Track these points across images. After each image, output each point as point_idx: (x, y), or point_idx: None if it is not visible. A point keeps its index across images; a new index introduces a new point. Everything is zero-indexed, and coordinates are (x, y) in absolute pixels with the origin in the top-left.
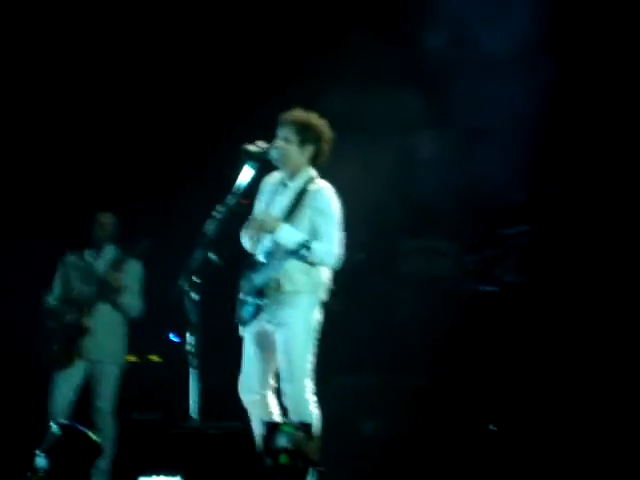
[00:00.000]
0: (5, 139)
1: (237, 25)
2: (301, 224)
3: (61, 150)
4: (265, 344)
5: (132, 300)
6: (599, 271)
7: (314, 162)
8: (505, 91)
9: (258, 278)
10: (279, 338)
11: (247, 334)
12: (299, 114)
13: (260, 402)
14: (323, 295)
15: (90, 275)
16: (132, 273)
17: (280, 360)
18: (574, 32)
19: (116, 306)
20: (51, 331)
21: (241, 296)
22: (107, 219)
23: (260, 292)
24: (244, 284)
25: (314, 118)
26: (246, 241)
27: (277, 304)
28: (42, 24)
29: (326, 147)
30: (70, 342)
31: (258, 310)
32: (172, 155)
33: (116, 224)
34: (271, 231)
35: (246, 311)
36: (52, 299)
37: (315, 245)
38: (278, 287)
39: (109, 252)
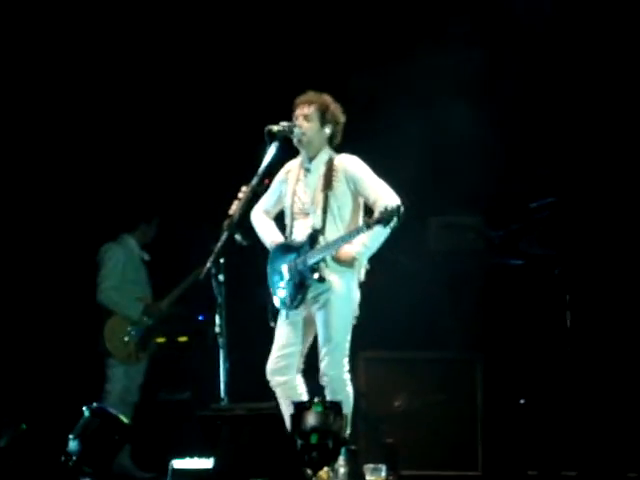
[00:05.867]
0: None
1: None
2: (340, 197)
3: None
4: (305, 325)
5: None
6: (624, 241)
7: (330, 143)
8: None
9: (308, 261)
10: (320, 317)
11: (286, 315)
12: (317, 95)
13: (289, 384)
14: (362, 275)
15: (143, 274)
16: None
17: (320, 339)
18: None
19: None
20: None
21: (281, 282)
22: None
23: (310, 275)
24: (283, 269)
25: (331, 100)
26: (268, 226)
27: (322, 285)
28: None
29: (341, 130)
30: (146, 339)
31: (304, 293)
32: (197, 139)
33: None
34: (355, 261)
35: (289, 295)
36: (113, 289)
37: (379, 214)
38: (326, 268)
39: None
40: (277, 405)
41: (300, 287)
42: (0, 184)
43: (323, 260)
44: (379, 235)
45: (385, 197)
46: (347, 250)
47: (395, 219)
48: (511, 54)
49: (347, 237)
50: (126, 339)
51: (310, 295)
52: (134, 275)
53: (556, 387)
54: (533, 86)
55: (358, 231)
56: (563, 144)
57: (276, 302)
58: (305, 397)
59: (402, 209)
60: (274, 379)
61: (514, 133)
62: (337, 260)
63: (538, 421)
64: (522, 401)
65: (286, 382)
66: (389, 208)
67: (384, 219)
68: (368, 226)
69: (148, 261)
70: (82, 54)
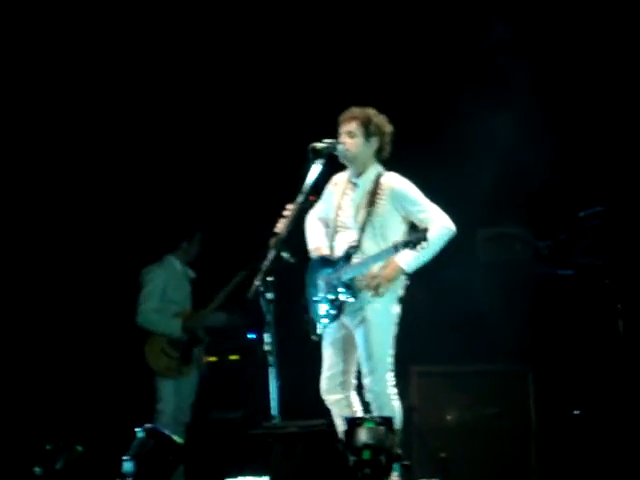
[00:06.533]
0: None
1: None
2: (384, 216)
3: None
4: (345, 343)
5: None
6: None
7: (378, 156)
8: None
9: (342, 276)
10: (360, 334)
11: (327, 335)
12: (360, 110)
13: (344, 401)
14: (401, 290)
15: (186, 292)
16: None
17: (361, 356)
18: None
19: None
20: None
21: (318, 295)
22: (200, 236)
23: (346, 290)
24: (320, 283)
25: (374, 112)
26: (317, 234)
27: (359, 301)
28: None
29: (388, 140)
30: (187, 351)
31: (340, 308)
32: (241, 156)
33: None
34: (399, 275)
35: (326, 310)
36: (152, 310)
37: (429, 233)
38: (365, 285)
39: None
40: (329, 422)
41: (333, 302)
42: (47, 208)
43: (357, 277)
44: (429, 249)
45: (436, 219)
46: (395, 262)
47: (423, 243)
48: (561, 62)
49: (376, 258)
50: (164, 352)
51: (347, 311)
52: (176, 295)
53: (610, 397)
54: (582, 93)
55: (387, 253)
56: (613, 152)
57: (312, 314)
58: (360, 414)
59: (427, 234)
60: (328, 398)
61: (563, 141)
62: (380, 277)
63: (593, 432)
64: (576, 412)
65: (340, 400)
66: (418, 232)
67: (411, 243)
68: (396, 249)
69: (194, 278)
70: (123, 72)
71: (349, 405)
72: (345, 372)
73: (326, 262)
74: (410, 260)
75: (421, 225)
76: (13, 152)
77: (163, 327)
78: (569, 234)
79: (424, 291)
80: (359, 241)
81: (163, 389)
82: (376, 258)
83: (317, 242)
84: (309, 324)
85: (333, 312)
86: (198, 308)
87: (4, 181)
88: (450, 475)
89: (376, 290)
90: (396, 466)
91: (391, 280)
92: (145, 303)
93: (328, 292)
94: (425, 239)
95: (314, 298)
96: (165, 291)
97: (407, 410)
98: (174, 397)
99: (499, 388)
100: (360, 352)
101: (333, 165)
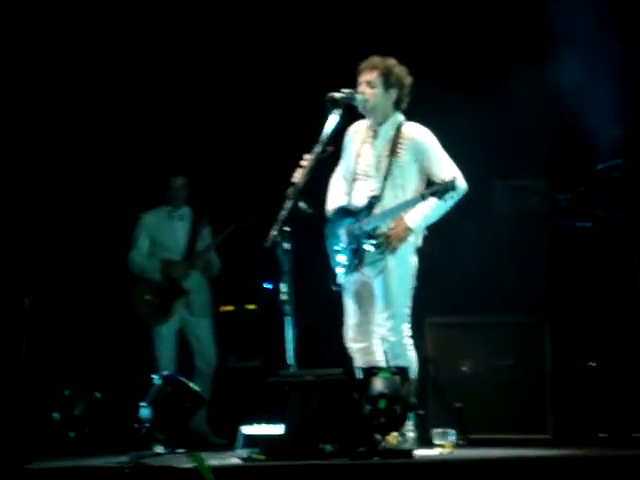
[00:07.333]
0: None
1: None
2: (404, 165)
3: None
4: (367, 293)
5: (216, 260)
6: None
7: (397, 107)
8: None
9: (365, 226)
10: (379, 284)
11: (348, 286)
12: (381, 59)
13: (367, 350)
14: (419, 240)
15: (178, 239)
16: (207, 235)
17: (379, 306)
18: None
19: (204, 270)
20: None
21: (339, 246)
22: (181, 182)
23: (369, 240)
24: (341, 233)
25: (395, 63)
26: (336, 192)
27: (379, 251)
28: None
29: (407, 92)
30: (167, 301)
31: (361, 258)
32: (257, 107)
33: (187, 186)
34: (409, 235)
35: (346, 260)
36: (138, 255)
37: (435, 186)
38: (385, 234)
39: (186, 214)
40: (346, 371)
41: (356, 252)
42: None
43: (379, 227)
44: (439, 208)
45: (446, 173)
46: (404, 221)
47: (451, 192)
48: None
49: (402, 207)
50: (145, 298)
51: (368, 261)
52: (165, 240)
53: (626, 349)
54: (598, 45)
55: (413, 202)
56: (632, 104)
57: (333, 265)
58: (383, 363)
59: (457, 182)
60: (352, 346)
61: (581, 94)
62: (391, 237)
63: (608, 383)
64: (591, 364)
65: (363, 349)
66: (446, 180)
67: (439, 192)
68: (423, 197)
69: (188, 223)
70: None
71: (372, 353)
72: (368, 322)
73: (346, 212)
74: (419, 219)
75: (434, 179)
76: None
77: (143, 270)
78: (588, 186)
79: (441, 242)
80: (380, 190)
81: (155, 335)
82: (401, 207)
83: (332, 204)
84: (332, 275)
85: (355, 262)
86: None
87: None
88: (465, 425)
89: (390, 249)
90: (411, 415)
91: (402, 240)
92: (132, 250)
93: (350, 242)
94: (454, 188)
95: (335, 248)
96: (154, 237)
97: (422, 361)
98: (166, 344)
99: (515, 339)
100: (378, 301)
101: (351, 115)
